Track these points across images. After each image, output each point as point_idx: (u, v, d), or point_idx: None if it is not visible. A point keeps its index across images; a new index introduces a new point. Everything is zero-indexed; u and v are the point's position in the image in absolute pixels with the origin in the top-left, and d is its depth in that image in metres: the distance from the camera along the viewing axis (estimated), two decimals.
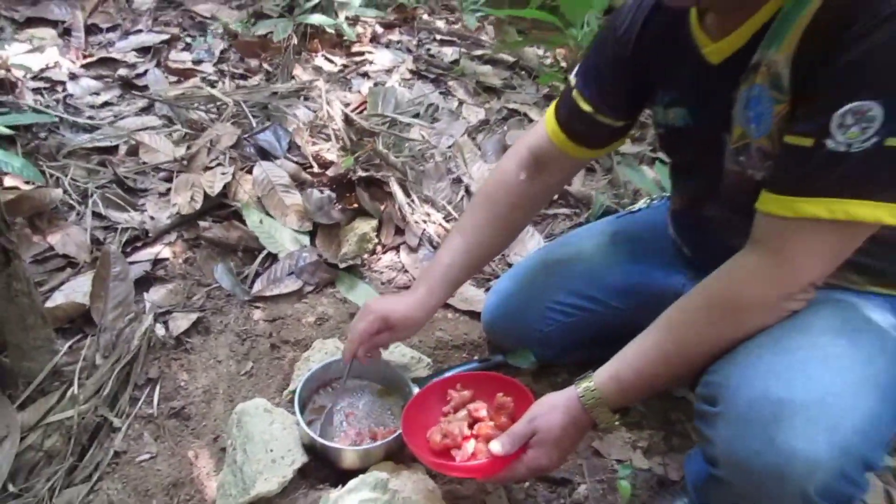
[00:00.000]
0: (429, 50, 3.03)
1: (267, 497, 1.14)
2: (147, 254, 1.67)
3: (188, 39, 2.75)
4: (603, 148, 1.26)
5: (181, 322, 1.51)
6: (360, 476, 1.13)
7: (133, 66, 2.52)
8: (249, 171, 1.89)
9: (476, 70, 2.85)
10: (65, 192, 1.78)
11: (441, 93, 2.69)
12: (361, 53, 2.87)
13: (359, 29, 2.97)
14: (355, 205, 1.87)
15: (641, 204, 1.51)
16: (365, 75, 2.75)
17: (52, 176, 1.82)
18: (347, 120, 2.10)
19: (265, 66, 2.62)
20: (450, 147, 2.27)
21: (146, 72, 2.48)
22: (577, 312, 1.37)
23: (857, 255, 0.92)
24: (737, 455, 0.83)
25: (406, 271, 1.79)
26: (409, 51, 3.00)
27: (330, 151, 2.01)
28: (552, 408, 1.04)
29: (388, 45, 3.00)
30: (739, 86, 0.91)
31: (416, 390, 1.28)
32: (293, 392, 1.31)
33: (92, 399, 1.30)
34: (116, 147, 2.01)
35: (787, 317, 0.90)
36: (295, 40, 2.64)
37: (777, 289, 0.88)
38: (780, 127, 0.86)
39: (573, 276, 1.38)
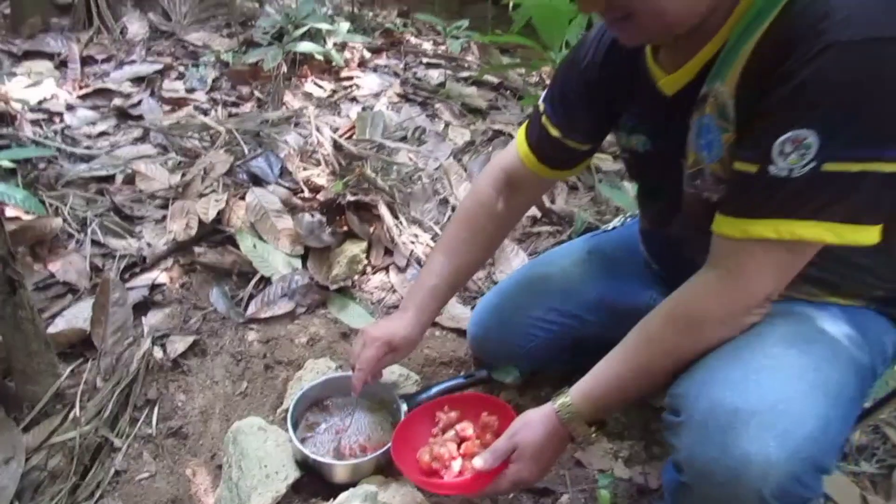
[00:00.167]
0: (415, 73, 3.12)
1: None
2: (145, 279, 1.73)
3: (181, 69, 2.84)
4: (571, 169, 1.34)
5: (178, 345, 1.57)
6: (351, 489, 1.19)
7: (128, 95, 2.60)
8: (242, 198, 1.95)
9: (462, 92, 2.94)
10: (64, 220, 1.84)
11: (428, 115, 2.77)
12: (350, 78, 2.96)
13: (347, 54, 3.06)
14: (345, 228, 1.94)
15: (616, 222, 1.58)
16: (353, 100, 2.83)
17: (51, 205, 1.88)
18: (336, 145, 2.18)
19: (256, 93, 2.71)
20: (436, 169, 2.34)
21: (141, 101, 2.56)
22: (557, 327, 1.43)
23: (813, 269, 0.99)
24: (697, 461, 0.89)
25: (395, 291, 1.86)
26: (396, 75, 3.09)
27: (320, 176, 2.09)
28: (531, 423, 1.10)
29: (375, 70, 3.09)
30: (692, 115, 0.99)
31: (404, 406, 1.34)
32: (286, 410, 1.36)
33: (93, 420, 1.35)
34: (113, 176, 2.08)
35: (745, 330, 0.96)
36: (284, 68, 2.73)
37: (733, 304, 0.95)
38: (729, 153, 0.93)
39: (551, 292, 1.44)
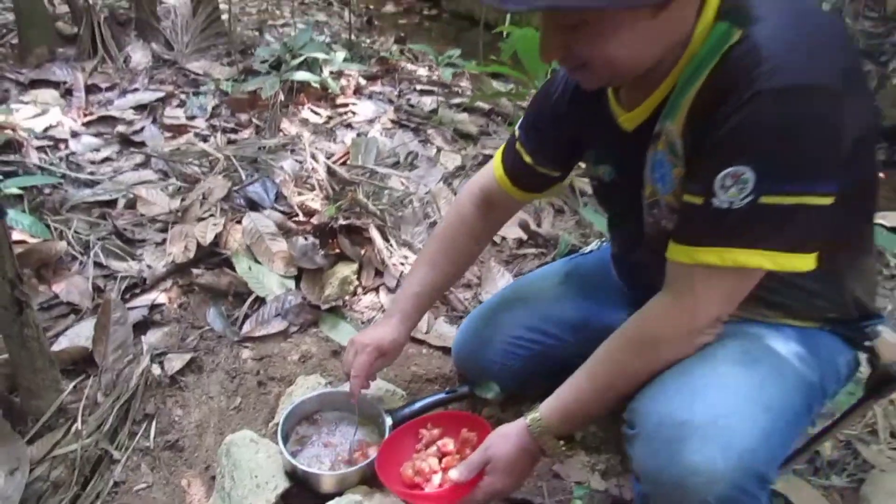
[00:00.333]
0: (409, 100, 3.23)
1: None
2: (145, 300, 1.81)
3: (182, 96, 2.94)
4: (542, 192, 1.44)
5: (176, 362, 1.65)
6: (336, 499, 1.26)
7: (131, 123, 2.70)
8: (239, 222, 2.04)
9: (454, 118, 3.04)
10: (68, 244, 1.93)
11: (420, 141, 2.87)
12: (345, 105, 3.06)
13: (343, 82, 3.17)
14: (337, 250, 2.03)
15: (593, 245, 1.67)
16: (349, 126, 2.93)
17: (56, 229, 1.97)
18: (330, 171, 2.27)
19: (255, 120, 2.81)
20: (426, 193, 2.43)
21: (143, 128, 2.66)
22: (535, 346, 1.51)
23: (766, 293, 1.07)
24: (649, 470, 0.97)
25: (385, 310, 1.94)
26: (390, 101, 3.20)
27: (314, 201, 2.18)
28: (504, 437, 1.18)
29: (370, 97, 3.20)
30: (648, 150, 1.08)
31: (388, 420, 1.41)
32: (277, 424, 1.44)
33: (94, 434, 1.42)
34: (116, 201, 2.17)
35: (699, 349, 1.05)
36: (282, 96, 2.83)
37: (685, 326, 1.03)
38: (680, 186, 1.02)
39: (530, 313, 1.52)
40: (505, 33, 2.89)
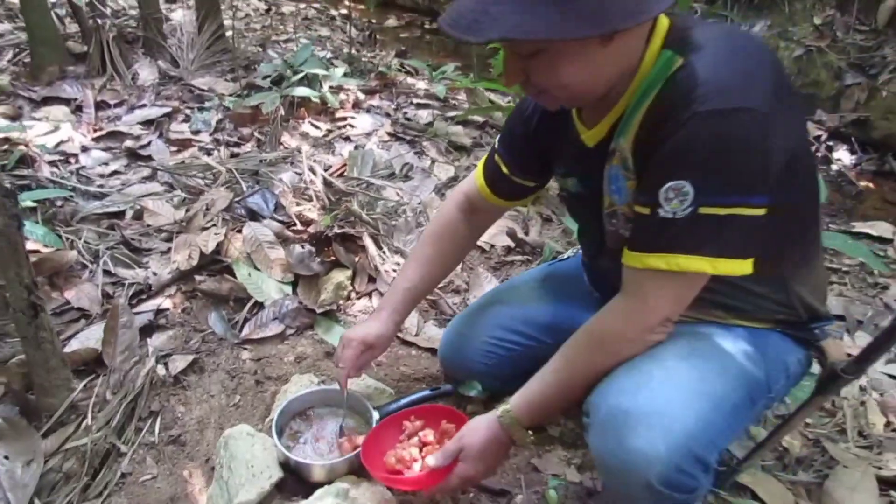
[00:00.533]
0: (406, 113, 3.35)
1: None
2: (150, 305, 1.92)
3: (187, 112, 3.07)
4: (520, 200, 1.56)
5: (179, 363, 1.75)
6: (325, 487, 1.37)
7: (138, 137, 2.82)
8: (240, 231, 2.16)
9: (448, 131, 3.16)
10: (79, 253, 2.04)
11: (416, 153, 2.99)
12: (344, 119, 3.18)
13: (342, 96, 3.29)
14: (332, 257, 2.14)
15: (570, 253, 1.77)
16: (347, 139, 3.05)
17: (67, 239, 2.08)
18: (327, 182, 2.38)
19: (256, 134, 2.93)
20: (420, 203, 2.54)
21: (150, 143, 2.78)
22: (514, 347, 1.61)
23: (719, 296, 1.18)
24: (600, 455, 1.08)
25: None
26: (387, 115, 3.31)
27: (311, 211, 2.29)
28: (477, 428, 1.28)
29: (368, 111, 3.32)
30: (606, 165, 1.18)
31: (376, 415, 1.52)
32: (273, 419, 1.54)
33: (103, 429, 1.53)
34: (124, 212, 2.29)
35: (651, 346, 1.15)
36: (282, 111, 2.95)
37: (637, 325, 1.13)
38: (633, 197, 1.13)
39: (509, 315, 1.63)
40: (500, 49, 3.00)
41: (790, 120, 1.02)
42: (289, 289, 2.05)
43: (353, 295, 2.10)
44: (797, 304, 1.25)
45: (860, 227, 3.20)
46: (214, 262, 2.09)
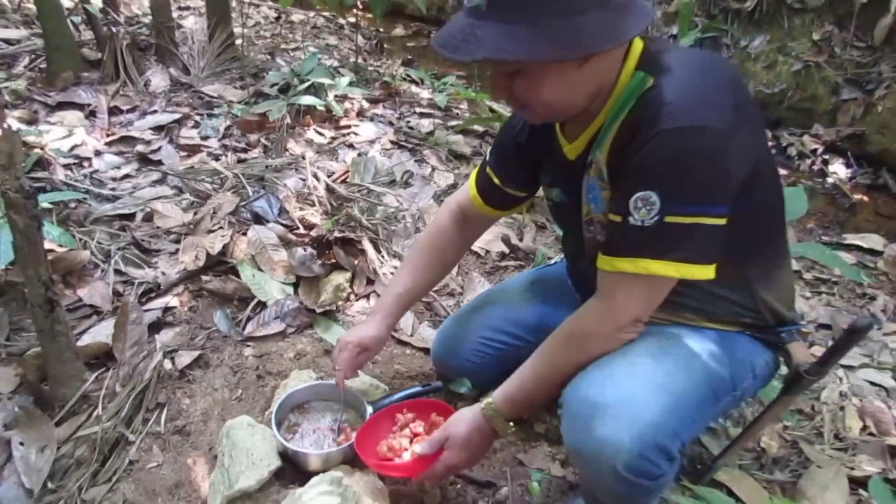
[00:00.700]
0: (408, 122, 3.44)
1: (247, 492, 1.46)
2: (159, 303, 2.02)
3: (197, 118, 3.17)
4: (511, 209, 1.64)
5: (185, 358, 1.85)
6: (320, 475, 1.45)
7: (149, 142, 2.92)
8: (245, 234, 2.25)
9: (449, 139, 3.25)
10: (91, 253, 2.14)
11: (417, 160, 3.08)
12: (348, 127, 3.28)
13: (347, 105, 3.39)
14: (333, 260, 2.23)
15: (557, 258, 1.86)
16: (351, 146, 3.15)
17: (81, 240, 2.18)
18: (329, 188, 2.48)
19: (263, 141, 3.03)
20: (418, 209, 2.63)
21: (160, 148, 2.88)
22: (502, 346, 1.69)
23: (690, 300, 1.27)
24: (571, 443, 1.16)
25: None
26: (391, 123, 3.41)
27: (314, 215, 2.38)
28: (462, 419, 1.37)
29: (372, 119, 3.42)
30: (584, 176, 1.27)
31: (369, 409, 1.61)
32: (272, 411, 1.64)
33: (112, 419, 1.62)
34: (134, 214, 2.39)
35: (622, 344, 1.23)
36: (288, 119, 3.05)
37: (609, 324, 1.21)
38: (607, 206, 1.22)
39: (498, 316, 1.71)
40: None
41: (750, 136, 1.11)
42: (290, 289, 2.14)
43: (351, 296, 2.19)
44: (763, 309, 1.33)
45: (852, 238, 3.27)
46: (220, 263, 2.18)
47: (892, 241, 3.26)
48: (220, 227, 2.27)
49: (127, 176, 2.69)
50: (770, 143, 4.34)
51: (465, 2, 1.08)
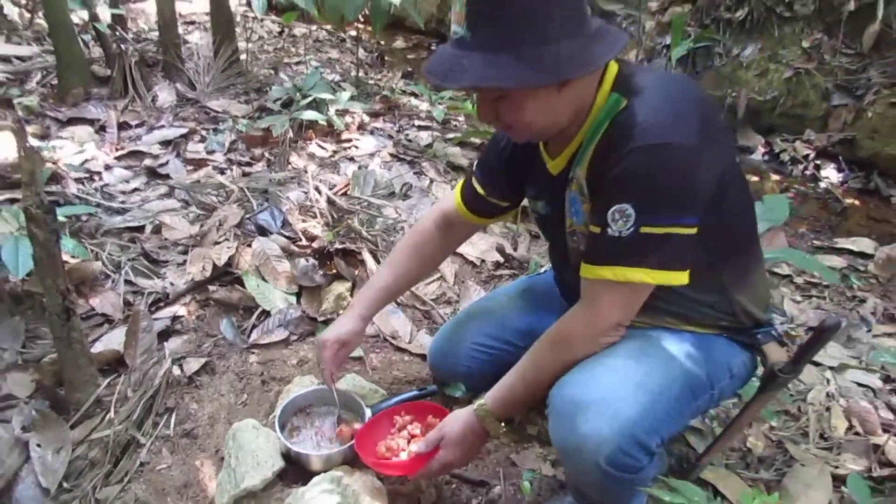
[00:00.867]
0: (407, 135, 3.54)
1: (252, 491, 1.54)
2: (168, 312, 2.10)
3: (203, 132, 3.27)
4: (494, 218, 1.72)
5: (193, 364, 1.93)
6: (322, 475, 1.54)
7: (157, 157, 3.02)
8: (249, 245, 2.34)
9: (447, 152, 3.34)
10: (103, 264, 2.23)
11: (415, 173, 3.17)
12: (349, 140, 3.37)
13: (347, 119, 3.49)
14: (334, 270, 2.32)
15: (547, 266, 1.94)
16: (351, 159, 3.24)
17: (92, 251, 2.27)
18: (330, 201, 2.57)
19: (267, 155, 3.12)
20: (416, 221, 2.72)
21: (168, 162, 2.98)
22: (494, 352, 1.77)
23: (669, 305, 1.35)
24: (556, 439, 1.24)
25: (373, 323, 2.21)
26: (390, 136, 3.50)
27: (315, 227, 2.47)
28: (456, 419, 1.45)
29: (372, 132, 3.51)
30: (566, 190, 1.36)
31: (368, 412, 1.69)
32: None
33: (124, 422, 1.70)
34: (143, 226, 2.48)
35: (604, 347, 1.31)
36: (291, 133, 3.14)
37: (592, 328, 1.30)
38: (588, 218, 1.30)
39: (490, 323, 1.79)
40: None
41: (717, 150, 1.19)
42: (293, 299, 2.22)
43: None
44: (739, 312, 1.41)
45: (843, 242, 3.34)
46: (226, 274, 2.27)
47: (883, 244, 3.31)
48: (226, 239, 2.36)
49: (136, 189, 2.78)
50: (763, 150, 4.45)
51: (452, 33, 1.17)
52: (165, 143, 3.15)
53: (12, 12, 4.30)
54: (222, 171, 2.95)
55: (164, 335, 2.03)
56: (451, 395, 1.85)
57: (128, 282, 2.19)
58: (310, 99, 3.29)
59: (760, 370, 1.51)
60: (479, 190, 1.62)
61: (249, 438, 1.63)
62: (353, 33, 5.59)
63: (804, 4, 4.36)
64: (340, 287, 2.25)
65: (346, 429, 1.67)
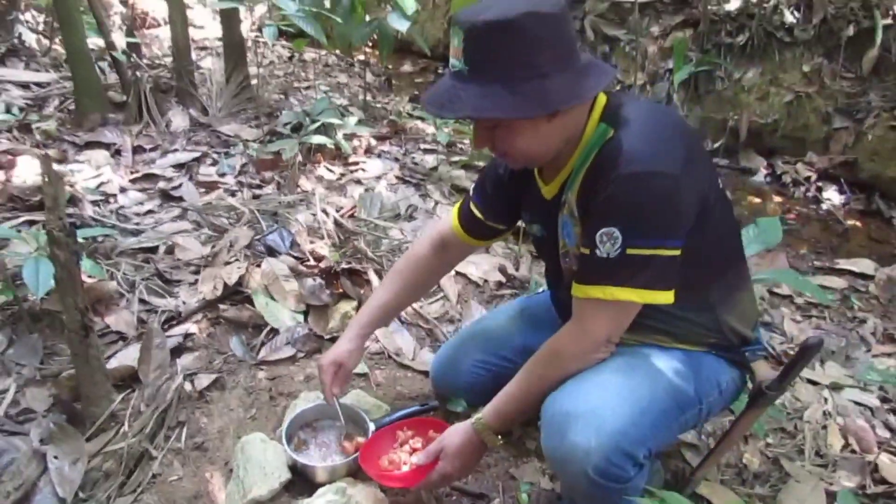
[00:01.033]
0: (413, 158, 3.63)
1: (260, 501, 1.60)
2: (180, 329, 2.18)
3: (215, 156, 3.37)
4: (490, 240, 1.80)
5: (204, 380, 2.00)
6: (327, 486, 1.60)
7: (170, 179, 3.12)
8: (259, 265, 2.42)
9: (451, 174, 3.43)
10: (118, 283, 2.30)
11: (421, 195, 3.25)
12: (356, 163, 3.46)
13: (355, 142, 3.58)
14: (340, 290, 2.39)
15: (544, 286, 2.01)
16: (358, 182, 3.33)
17: (108, 271, 2.35)
18: (337, 223, 2.65)
19: (276, 178, 3.21)
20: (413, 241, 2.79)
21: (181, 185, 3.06)
22: (494, 368, 1.83)
23: (659, 323, 1.41)
24: (547, 450, 1.30)
25: (378, 341, 2.28)
26: (396, 159, 3.59)
27: (323, 248, 2.55)
28: (455, 432, 1.51)
29: (379, 155, 3.60)
30: (559, 214, 1.43)
31: (372, 426, 1.75)
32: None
33: (137, 435, 1.77)
34: (157, 247, 2.55)
35: (595, 363, 1.38)
36: (300, 157, 3.24)
37: (583, 345, 1.36)
38: (579, 241, 1.37)
39: (490, 340, 1.85)
40: None
41: (699, 177, 1.27)
42: (301, 317, 2.30)
43: None
44: (726, 330, 1.47)
45: (844, 263, 3.38)
46: (236, 293, 2.34)
47: (884, 265, 3.35)
48: (237, 260, 2.44)
49: (150, 211, 2.87)
50: (765, 171, 4.50)
51: (449, 67, 1.25)
52: (178, 167, 3.24)
53: (31, 39, 4.44)
54: (233, 194, 3.04)
55: (177, 352, 2.10)
56: (452, 411, 1.91)
57: (142, 300, 2.26)
58: (318, 123, 3.39)
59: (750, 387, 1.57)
60: (477, 214, 1.69)
61: (257, 451, 1.69)
62: (362, 57, 5.71)
63: (804, 30, 4.44)
64: (347, 306, 2.32)
65: (350, 443, 1.73)
